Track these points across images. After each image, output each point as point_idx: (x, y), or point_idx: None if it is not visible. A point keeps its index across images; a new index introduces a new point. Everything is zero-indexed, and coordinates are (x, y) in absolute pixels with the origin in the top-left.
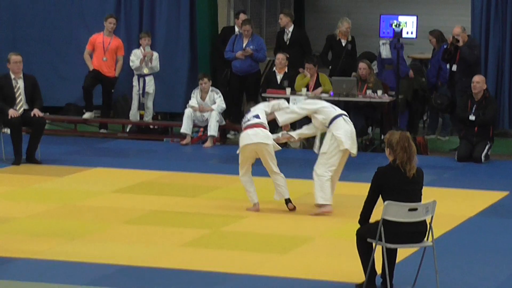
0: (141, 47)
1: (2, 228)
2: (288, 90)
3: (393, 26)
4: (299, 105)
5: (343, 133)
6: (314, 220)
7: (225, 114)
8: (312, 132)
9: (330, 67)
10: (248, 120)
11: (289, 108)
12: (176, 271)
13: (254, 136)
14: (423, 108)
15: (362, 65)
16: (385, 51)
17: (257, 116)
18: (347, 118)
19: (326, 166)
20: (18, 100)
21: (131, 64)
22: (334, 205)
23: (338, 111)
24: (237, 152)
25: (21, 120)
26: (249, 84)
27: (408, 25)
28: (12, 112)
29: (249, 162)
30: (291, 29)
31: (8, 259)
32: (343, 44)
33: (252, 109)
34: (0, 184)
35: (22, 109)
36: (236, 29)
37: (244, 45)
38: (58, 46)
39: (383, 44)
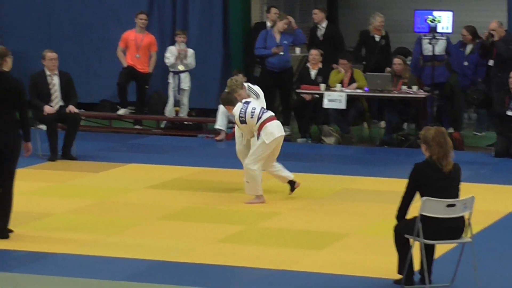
0: (176, 44)
1: (39, 224)
2: (323, 86)
3: (428, 21)
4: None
5: None
6: (350, 216)
7: None
8: None
9: (364, 62)
10: (263, 113)
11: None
12: (212, 267)
13: (282, 128)
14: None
15: (397, 61)
16: (439, 48)
17: (265, 110)
18: None
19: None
20: (53, 97)
21: (166, 61)
22: (370, 201)
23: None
24: (267, 142)
25: (56, 117)
26: (282, 81)
27: (444, 20)
28: (47, 109)
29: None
30: (324, 24)
31: (45, 254)
32: (377, 40)
33: (253, 101)
34: (36, 180)
35: (57, 105)
36: (268, 24)
37: (278, 40)
38: (92, 43)
39: (436, 39)
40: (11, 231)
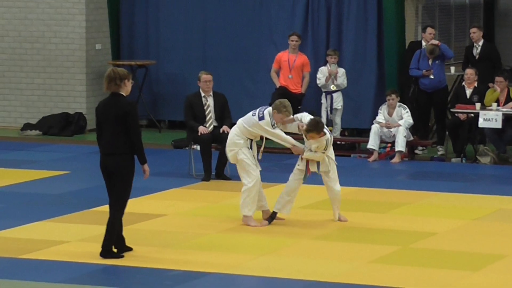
0: (327, 64)
1: (194, 243)
2: (478, 105)
3: None
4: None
5: None
6: (507, 237)
7: (412, 129)
8: None
9: None
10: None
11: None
12: (367, 287)
13: None
14: None
15: None
16: None
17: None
18: None
19: None
20: (208, 118)
21: (318, 82)
22: None
23: None
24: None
25: (211, 137)
26: (437, 100)
27: None
28: (202, 129)
29: None
30: (481, 43)
31: (200, 273)
32: None
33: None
34: (191, 200)
35: (211, 126)
36: (423, 43)
37: (430, 62)
38: (246, 64)
39: None
40: (130, 249)
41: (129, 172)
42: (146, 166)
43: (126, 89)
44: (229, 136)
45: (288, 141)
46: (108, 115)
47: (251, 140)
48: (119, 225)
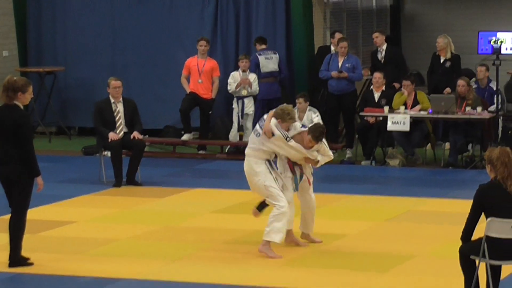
0: (239, 70)
1: (104, 249)
2: (386, 108)
3: (492, 43)
4: None
5: None
6: (415, 238)
7: None
8: None
9: (426, 84)
10: None
11: None
12: None
13: None
14: None
15: (460, 82)
16: None
17: None
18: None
19: None
20: (118, 124)
21: (228, 87)
22: (435, 223)
23: None
24: None
25: (121, 143)
26: (345, 104)
27: (508, 42)
28: (112, 135)
29: None
30: (384, 47)
31: (111, 280)
32: (441, 61)
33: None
34: (102, 207)
35: (122, 132)
36: (332, 48)
37: (339, 64)
38: (157, 70)
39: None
40: (27, 259)
41: (26, 180)
42: (40, 179)
43: (21, 100)
44: (248, 168)
45: (305, 153)
46: (2, 125)
47: (269, 160)
48: (22, 233)
